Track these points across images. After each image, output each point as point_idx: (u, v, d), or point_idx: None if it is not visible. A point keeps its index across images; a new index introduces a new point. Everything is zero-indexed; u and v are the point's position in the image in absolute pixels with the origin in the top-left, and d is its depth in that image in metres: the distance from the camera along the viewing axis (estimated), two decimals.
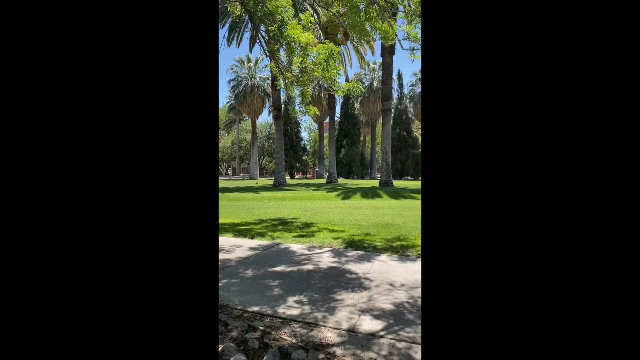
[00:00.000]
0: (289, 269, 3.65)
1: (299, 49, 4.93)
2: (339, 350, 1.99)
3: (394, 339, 2.12)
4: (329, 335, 2.18)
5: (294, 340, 2.10)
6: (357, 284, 3.19)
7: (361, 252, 4.44)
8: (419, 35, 5.49)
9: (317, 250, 4.54)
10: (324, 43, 5.13)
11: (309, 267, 3.76)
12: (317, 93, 24.66)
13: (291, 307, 2.61)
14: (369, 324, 2.33)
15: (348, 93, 6.19)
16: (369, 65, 28.74)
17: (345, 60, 20.69)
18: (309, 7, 13.07)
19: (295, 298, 2.80)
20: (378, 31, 4.67)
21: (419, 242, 5.00)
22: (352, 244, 4.89)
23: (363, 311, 2.55)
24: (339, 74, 5.63)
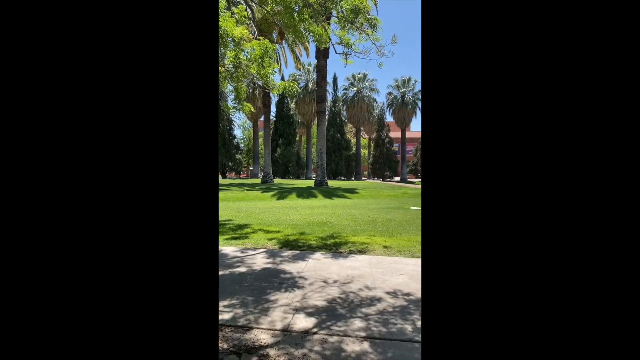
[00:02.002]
0: (220, 272, 3.48)
1: (232, 43, 4.75)
2: (272, 351, 1.97)
3: (326, 334, 2.17)
4: (262, 337, 2.14)
5: (225, 346, 2.02)
6: (291, 283, 3.20)
7: (296, 252, 4.46)
8: (352, 41, 5.74)
9: (251, 252, 4.42)
10: (259, 40, 5.03)
11: (242, 269, 3.64)
12: (251, 90, 24.05)
13: (222, 312, 2.49)
14: (302, 322, 2.35)
15: (284, 92, 6.17)
16: (304, 67, 29.05)
17: (280, 60, 20.58)
18: (242, 1, 12.66)
19: (227, 302, 2.69)
20: (312, 33, 4.75)
21: (352, 238, 5.22)
22: (287, 244, 4.88)
23: (297, 310, 2.56)
24: (274, 71, 5.58)
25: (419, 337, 2.15)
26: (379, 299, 2.80)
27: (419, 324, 2.34)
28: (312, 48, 20.41)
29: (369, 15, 5.51)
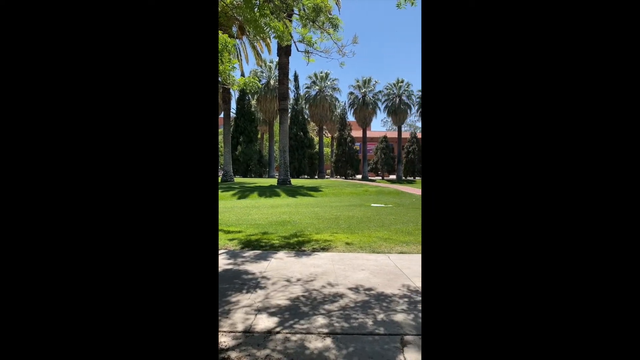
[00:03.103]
0: None
1: None
2: (234, 354, 1.92)
3: (289, 333, 2.17)
4: (223, 339, 2.08)
5: None
6: (253, 284, 3.14)
7: (258, 252, 4.39)
8: (313, 39, 5.74)
9: None
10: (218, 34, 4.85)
11: None
12: None
13: None
14: (265, 322, 2.32)
15: (244, 88, 6.02)
16: (265, 64, 28.57)
17: (241, 56, 20.04)
18: None
19: None
20: (273, 29, 4.68)
21: (315, 236, 5.25)
22: (248, 244, 4.79)
23: (259, 310, 2.53)
24: (234, 67, 5.42)
25: (378, 330, 2.22)
26: (342, 295, 2.85)
27: (379, 317, 2.42)
28: (273, 45, 20.16)
29: (331, 14, 5.56)
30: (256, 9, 4.35)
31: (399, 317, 2.41)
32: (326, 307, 2.60)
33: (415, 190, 16.37)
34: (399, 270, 3.59)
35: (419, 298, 2.80)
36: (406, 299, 2.78)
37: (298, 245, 4.71)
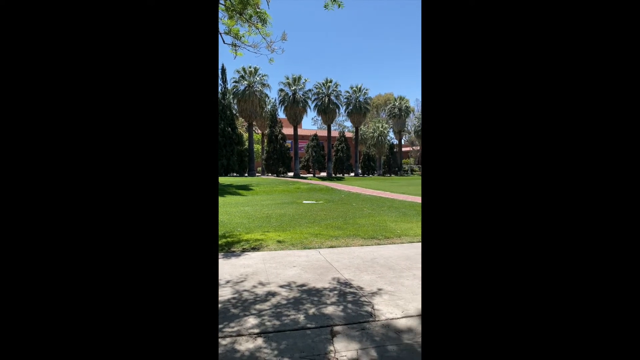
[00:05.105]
0: None
1: None
2: None
3: (218, 337, 2.07)
4: None
5: None
6: None
7: None
8: (241, 33, 5.55)
9: None
10: None
11: None
12: None
13: None
14: None
15: None
16: None
17: None
18: None
19: None
20: None
21: (245, 236, 5.11)
22: None
23: None
24: None
25: (310, 324, 2.26)
26: (273, 294, 2.83)
27: (310, 312, 2.47)
28: None
29: (259, 8, 5.44)
30: None
31: (329, 310, 2.50)
32: (257, 307, 2.56)
33: (344, 186, 17.11)
34: (329, 264, 3.71)
35: (348, 289, 2.95)
36: (336, 292, 2.89)
37: (227, 247, 4.53)
